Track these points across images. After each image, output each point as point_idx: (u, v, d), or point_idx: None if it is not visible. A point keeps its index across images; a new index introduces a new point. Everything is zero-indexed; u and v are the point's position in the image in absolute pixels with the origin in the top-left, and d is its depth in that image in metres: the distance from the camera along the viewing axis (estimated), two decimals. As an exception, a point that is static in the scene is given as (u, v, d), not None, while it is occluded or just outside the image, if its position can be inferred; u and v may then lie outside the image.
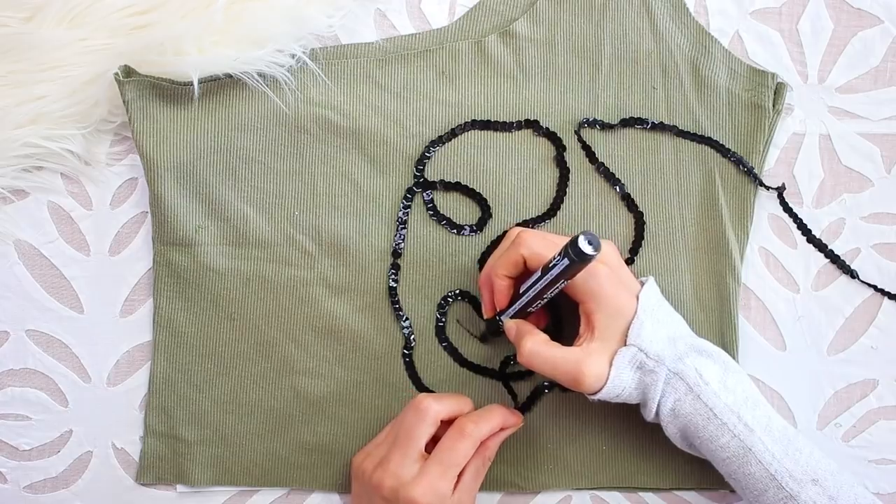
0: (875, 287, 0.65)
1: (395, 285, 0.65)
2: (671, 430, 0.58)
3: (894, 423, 0.65)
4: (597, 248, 0.52)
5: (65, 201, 0.66)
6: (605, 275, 0.57)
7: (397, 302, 0.65)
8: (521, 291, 0.59)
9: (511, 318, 0.60)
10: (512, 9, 0.66)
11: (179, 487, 0.65)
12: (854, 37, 0.66)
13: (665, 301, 0.60)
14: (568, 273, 0.54)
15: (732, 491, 0.65)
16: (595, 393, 0.57)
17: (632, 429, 0.64)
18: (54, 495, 0.66)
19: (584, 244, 0.52)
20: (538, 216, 0.65)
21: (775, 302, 0.65)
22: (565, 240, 0.55)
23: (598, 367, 0.56)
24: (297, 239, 0.65)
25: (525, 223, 0.65)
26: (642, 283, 0.59)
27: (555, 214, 0.65)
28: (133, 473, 0.66)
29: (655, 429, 0.64)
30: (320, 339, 0.65)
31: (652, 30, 0.65)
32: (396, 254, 0.65)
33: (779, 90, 0.64)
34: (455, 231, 0.65)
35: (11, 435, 0.66)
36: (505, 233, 0.64)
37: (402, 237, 0.65)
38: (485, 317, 0.63)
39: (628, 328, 0.56)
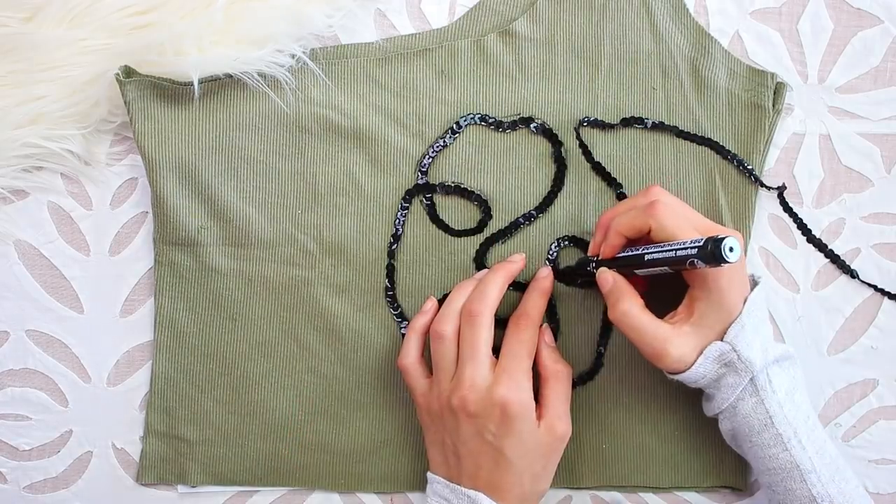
0: (875, 287, 0.65)
1: (391, 285, 0.65)
2: (725, 426, 0.58)
3: (894, 423, 0.65)
4: (737, 255, 0.50)
5: (65, 201, 0.66)
6: (726, 272, 0.55)
7: (394, 302, 0.65)
8: (633, 254, 0.56)
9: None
10: (512, 8, 0.66)
11: (180, 488, 0.65)
12: (854, 37, 0.66)
13: (765, 307, 0.60)
14: (696, 265, 0.52)
15: (733, 490, 0.65)
16: (674, 373, 0.57)
17: (632, 429, 0.64)
18: (54, 495, 0.66)
19: (727, 252, 0.50)
20: (528, 211, 0.65)
21: (775, 302, 0.65)
22: (701, 222, 0.55)
23: (684, 351, 0.56)
24: (299, 239, 0.65)
25: (517, 220, 0.64)
26: (753, 281, 0.59)
27: (544, 210, 0.65)
28: (133, 473, 0.66)
29: (655, 428, 0.64)
30: (322, 339, 0.65)
31: (652, 30, 0.65)
32: (393, 254, 0.65)
33: (779, 90, 0.64)
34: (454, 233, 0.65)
35: (11, 435, 0.66)
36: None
37: (401, 237, 0.65)
38: (589, 253, 0.61)
39: (728, 326, 0.56)
